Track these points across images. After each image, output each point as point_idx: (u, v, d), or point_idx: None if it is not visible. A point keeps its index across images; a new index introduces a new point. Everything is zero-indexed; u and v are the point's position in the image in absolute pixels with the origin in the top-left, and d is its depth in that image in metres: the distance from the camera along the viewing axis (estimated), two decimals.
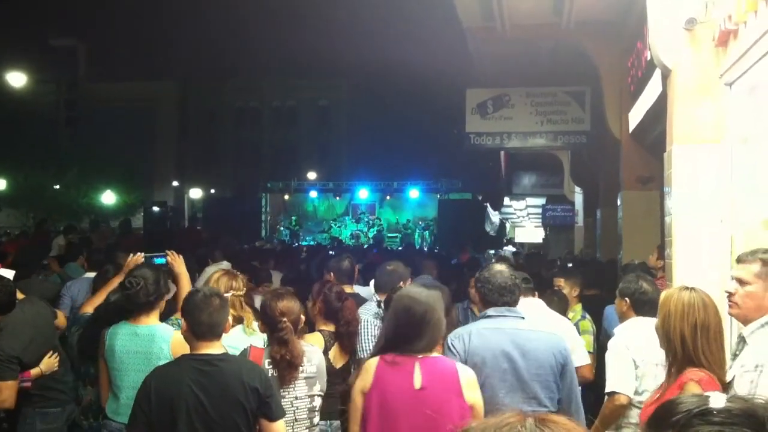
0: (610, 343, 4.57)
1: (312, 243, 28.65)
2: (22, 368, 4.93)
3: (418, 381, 3.37)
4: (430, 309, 3.50)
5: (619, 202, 11.00)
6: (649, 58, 7.42)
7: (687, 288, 3.50)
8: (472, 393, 3.48)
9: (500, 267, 4.33)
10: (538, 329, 4.18)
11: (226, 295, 4.59)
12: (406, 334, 3.46)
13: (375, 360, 3.49)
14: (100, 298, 5.16)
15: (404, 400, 3.35)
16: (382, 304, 5.35)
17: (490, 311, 4.11)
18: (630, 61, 9.85)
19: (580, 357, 5.42)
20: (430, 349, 3.49)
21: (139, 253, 5.25)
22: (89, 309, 5.19)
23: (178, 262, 5.24)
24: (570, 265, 11.04)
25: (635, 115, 9.53)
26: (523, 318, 4.13)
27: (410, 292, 3.66)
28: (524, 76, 13.27)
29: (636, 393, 4.30)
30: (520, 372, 3.89)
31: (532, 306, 5.22)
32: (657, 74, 7.23)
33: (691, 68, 5.57)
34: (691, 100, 5.57)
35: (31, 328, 5.09)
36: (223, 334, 4.22)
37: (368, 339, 5.13)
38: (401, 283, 5.64)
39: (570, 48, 11.30)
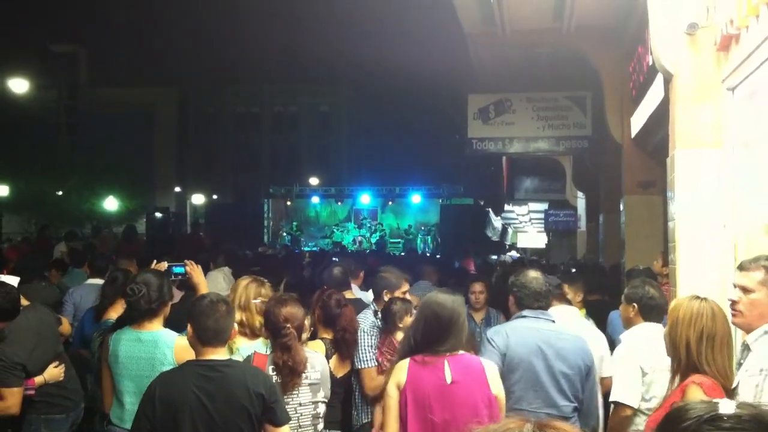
0: (618, 350, 4.56)
1: (315, 249, 28.61)
2: (26, 375, 4.94)
3: (449, 376, 3.67)
4: (456, 313, 3.80)
5: (621, 207, 11.00)
6: (650, 62, 7.42)
7: (698, 297, 3.49)
8: (496, 385, 3.78)
9: (535, 273, 4.65)
10: (567, 331, 4.50)
11: (254, 301, 4.65)
12: (435, 337, 3.75)
13: (406, 361, 3.75)
14: (122, 305, 5.10)
15: (437, 394, 3.64)
16: (380, 314, 5.37)
17: (525, 312, 4.42)
18: (631, 65, 9.85)
19: (608, 368, 5.42)
20: (457, 348, 3.78)
21: (163, 262, 5.26)
22: (113, 315, 5.15)
23: (196, 272, 5.25)
24: (573, 270, 11.03)
25: (637, 120, 9.54)
26: (553, 321, 4.45)
27: (437, 298, 3.89)
28: (525, 81, 13.29)
29: (643, 399, 4.28)
30: (552, 369, 4.21)
31: (566, 313, 5.47)
32: (659, 79, 7.24)
33: (693, 73, 5.57)
34: (693, 105, 5.58)
35: (35, 334, 5.09)
36: (246, 344, 4.20)
37: (365, 349, 5.15)
38: (386, 292, 5.63)
39: (571, 53, 11.31)
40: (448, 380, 3.65)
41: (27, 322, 5.14)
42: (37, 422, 5.19)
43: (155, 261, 5.29)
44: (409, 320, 4.63)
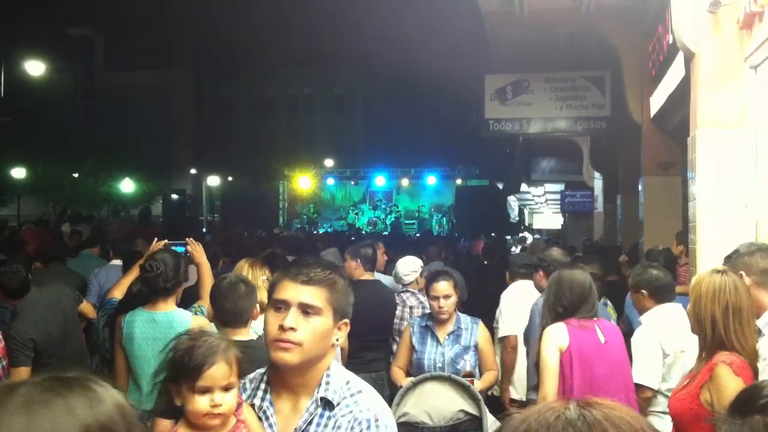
0: (639, 332, 4.52)
1: (330, 230, 28.66)
2: (39, 352, 5.03)
3: (601, 337, 4.13)
4: (590, 282, 4.24)
5: (640, 188, 10.93)
6: (671, 41, 7.34)
7: (718, 271, 3.40)
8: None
9: (558, 250, 5.61)
10: None
11: (262, 278, 4.62)
12: (580, 304, 4.19)
13: (561, 325, 4.14)
14: (126, 283, 5.05)
15: (596, 352, 4.08)
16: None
17: None
18: (651, 45, 9.75)
19: None
20: (595, 312, 4.23)
21: (162, 241, 5.20)
22: (117, 294, 5.07)
23: (198, 252, 5.04)
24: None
25: (657, 100, 9.45)
26: None
27: (572, 275, 4.26)
28: (543, 61, 13.17)
29: (664, 380, 4.27)
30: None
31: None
32: (679, 58, 7.15)
33: (715, 51, 5.50)
34: (715, 84, 5.51)
35: (50, 311, 5.22)
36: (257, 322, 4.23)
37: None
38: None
39: (589, 32, 11.20)
40: (602, 340, 4.10)
41: (42, 299, 5.28)
42: None
43: (155, 240, 5.22)
44: None
